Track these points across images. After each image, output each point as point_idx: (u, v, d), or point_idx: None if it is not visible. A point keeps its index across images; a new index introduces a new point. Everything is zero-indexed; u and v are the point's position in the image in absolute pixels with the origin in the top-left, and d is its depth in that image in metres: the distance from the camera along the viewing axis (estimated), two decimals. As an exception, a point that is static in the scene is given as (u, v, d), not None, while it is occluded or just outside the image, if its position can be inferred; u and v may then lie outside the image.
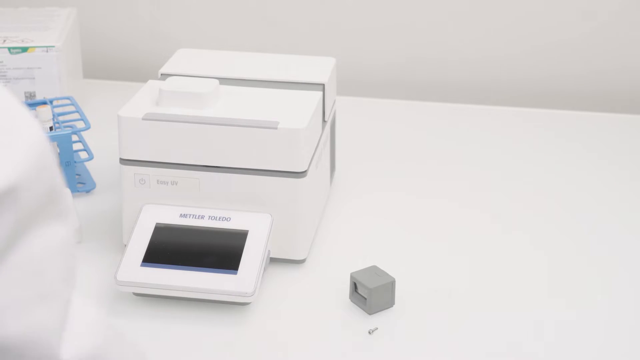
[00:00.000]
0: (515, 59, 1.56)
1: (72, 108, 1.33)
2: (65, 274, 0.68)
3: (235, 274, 1.02)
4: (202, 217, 1.07)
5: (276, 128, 1.04)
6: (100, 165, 1.27)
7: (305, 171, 1.06)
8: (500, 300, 1.05)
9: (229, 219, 1.06)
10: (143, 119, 1.06)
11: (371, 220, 1.19)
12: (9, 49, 1.38)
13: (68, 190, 1.11)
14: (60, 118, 1.30)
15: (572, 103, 1.55)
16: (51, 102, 1.33)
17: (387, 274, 1.03)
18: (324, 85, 1.14)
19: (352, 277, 1.04)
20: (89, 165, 1.28)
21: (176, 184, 1.07)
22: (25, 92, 1.39)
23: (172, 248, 1.04)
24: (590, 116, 1.47)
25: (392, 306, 1.04)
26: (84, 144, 1.27)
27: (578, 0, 1.51)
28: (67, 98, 1.35)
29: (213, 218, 1.07)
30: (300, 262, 1.10)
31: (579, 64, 1.54)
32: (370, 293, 1.02)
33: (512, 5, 1.53)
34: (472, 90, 1.57)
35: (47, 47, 1.38)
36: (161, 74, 1.18)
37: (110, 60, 1.65)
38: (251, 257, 1.03)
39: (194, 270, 1.02)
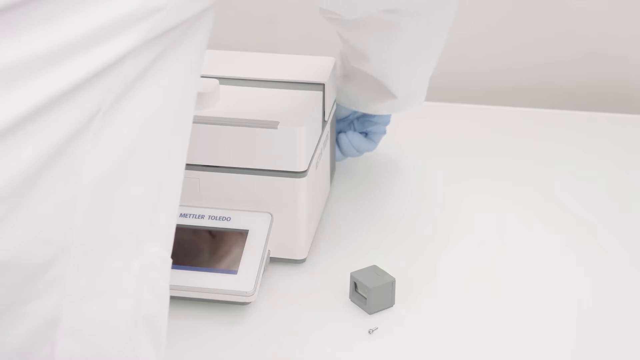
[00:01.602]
0: (515, 58, 1.56)
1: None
2: None
3: (235, 273, 1.02)
4: (202, 217, 1.07)
5: (276, 128, 1.04)
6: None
7: (305, 171, 1.06)
8: (500, 300, 1.05)
9: (229, 219, 1.06)
10: (143, 118, 1.06)
11: (371, 220, 1.19)
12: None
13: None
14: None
15: (572, 103, 1.55)
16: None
17: (387, 274, 1.03)
18: (324, 85, 1.14)
19: (352, 277, 1.04)
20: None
21: (176, 183, 1.07)
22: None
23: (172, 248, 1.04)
24: (589, 116, 1.47)
25: (392, 306, 1.03)
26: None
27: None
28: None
29: (213, 218, 1.07)
30: (300, 262, 1.10)
31: (579, 63, 1.54)
32: (370, 293, 1.02)
33: (513, 5, 1.53)
34: (472, 90, 1.57)
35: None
36: (161, 74, 1.17)
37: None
38: (251, 256, 1.03)
39: (194, 270, 1.02)
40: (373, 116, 1.25)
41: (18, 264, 0.68)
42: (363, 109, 1.23)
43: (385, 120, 1.26)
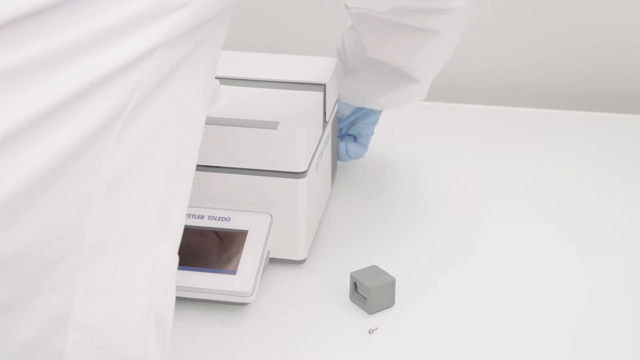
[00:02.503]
0: (515, 58, 1.56)
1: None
2: None
3: (234, 274, 1.02)
4: (202, 217, 1.07)
5: (276, 129, 1.04)
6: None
7: (305, 171, 1.06)
8: (500, 300, 1.05)
9: (228, 219, 1.07)
10: (143, 119, 1.06)
11: (371, 220, 1.19)
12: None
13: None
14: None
15: (572, 103, 1.55)
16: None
17: (387, 274, 1.03)
18: (325, 85, 1.14)
19: (352, 277, 1.04)
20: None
21: (176, 184, 1.07)
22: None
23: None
24: (589, 116, 1.47)
25: (392, 306, 1.04)
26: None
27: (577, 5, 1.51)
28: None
29: (213, 218, 1.07)
30: (300, 262, 1.10)
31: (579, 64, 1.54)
32: (370, 293, 1.02)
33: (515, 7, 1.53)
34: (472, 90, 1.57)
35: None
36: (162, 74, 1.17)
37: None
38: (250, 257, 1.03)
39: (193, 270, 1.02)
40: (365, 117, 1.25)
41: (29, 258, 0.68)
42: (370, 105, 1.23)
43: (374, 120, 1.26)
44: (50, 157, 0.68)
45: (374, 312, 1.03)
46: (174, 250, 0.79)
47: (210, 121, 1.05)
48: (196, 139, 0.80)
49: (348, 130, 1.27)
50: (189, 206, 1.07)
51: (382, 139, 1.34)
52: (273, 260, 1.08)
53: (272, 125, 1.04)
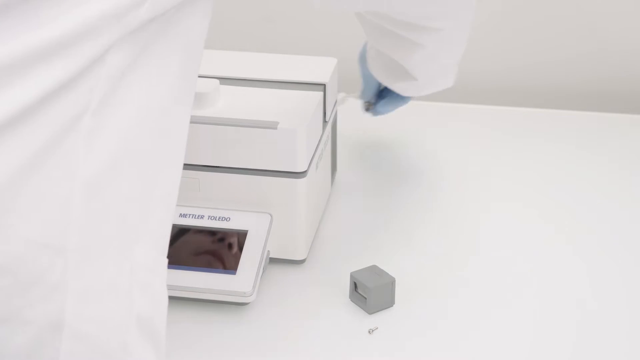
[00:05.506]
0: (516, 58, 1.56)
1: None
2: None
3: (234, 274, 1.02)
4: (202, 217, 1.07)
5: (276, 128, 1.04)
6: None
7: (304, 171, 1.06)
8: (500, 299, 1.05)
9: (228, 219, 1.07)
10: (143, 119, 1.06)
11: (371, 220, 1.19)
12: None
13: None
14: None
15: (571, 103, 1.55)
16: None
17: (387, 274, 1.03)
18: (324, 85, 1.14)
19: (352, 276, 1.04)
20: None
21: (176, 184, 1.07)
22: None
23: (171, 248, 1.04)
24: (589, 116, 1.47)
25: (392, 306, 1.04)
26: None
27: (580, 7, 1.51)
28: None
29: (213, 218, 1.07)
30: (300, 262, 1.10)
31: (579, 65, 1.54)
32: (370, 293, 1.02)
33: (515, 8, 1.53)
34: (472, 90, 1.57)
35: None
36: (162, 74, 1.17)
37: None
38: (250, 257, 1.03)
39: (193, 270, 1.02)
40: None
41: (18, 268, 0.68)
42: (390, 86, 1.21)
43: None
44: (13, 165, 0.67)
45: (374, 312, 1.03)
46: (157, 251, 0.78)
47: (210, 121, 1.05)
48: (178, 135, 0.79)
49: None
50: (189, 206, 1.07)
51: (382, 138, 1.34)
52: (273, 260, 1.08)
53: (272, 125, 1.04)
